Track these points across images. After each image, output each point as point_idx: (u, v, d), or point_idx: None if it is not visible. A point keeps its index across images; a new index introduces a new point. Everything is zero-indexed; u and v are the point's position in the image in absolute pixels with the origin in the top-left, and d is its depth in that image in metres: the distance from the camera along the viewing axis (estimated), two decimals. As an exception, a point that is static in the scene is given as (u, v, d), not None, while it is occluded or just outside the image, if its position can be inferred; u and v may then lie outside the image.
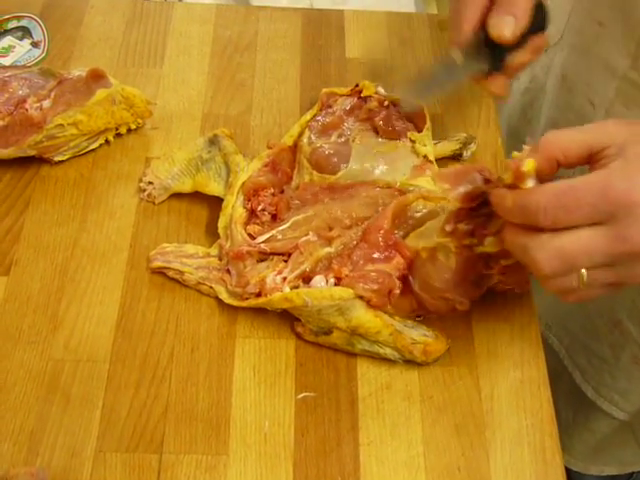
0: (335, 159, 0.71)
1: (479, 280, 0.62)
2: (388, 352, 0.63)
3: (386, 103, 0.75)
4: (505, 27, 0.61)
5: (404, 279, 0.63)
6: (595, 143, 0.51)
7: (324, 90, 0.76)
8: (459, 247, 0.60)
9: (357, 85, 0.76)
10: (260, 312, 0.65)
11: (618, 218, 0.49)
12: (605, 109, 0.75)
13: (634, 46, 0.70)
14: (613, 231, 0.49)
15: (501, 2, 0.62)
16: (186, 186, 0.72)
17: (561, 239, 0.50)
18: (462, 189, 0.59)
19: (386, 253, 0.63)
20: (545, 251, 0.51)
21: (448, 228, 0.60)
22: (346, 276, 0.62)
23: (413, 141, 0.73)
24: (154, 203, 0.72)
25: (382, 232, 0.63)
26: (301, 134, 0.73)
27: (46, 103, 0.71)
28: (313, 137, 0.72)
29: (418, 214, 0.66)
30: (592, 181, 0.50)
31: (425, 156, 0.72)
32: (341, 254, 0.64)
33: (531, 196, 0.51)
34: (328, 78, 0.83)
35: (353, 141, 0.72)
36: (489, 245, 0.59)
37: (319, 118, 0.74)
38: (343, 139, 0.72)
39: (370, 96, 0.75)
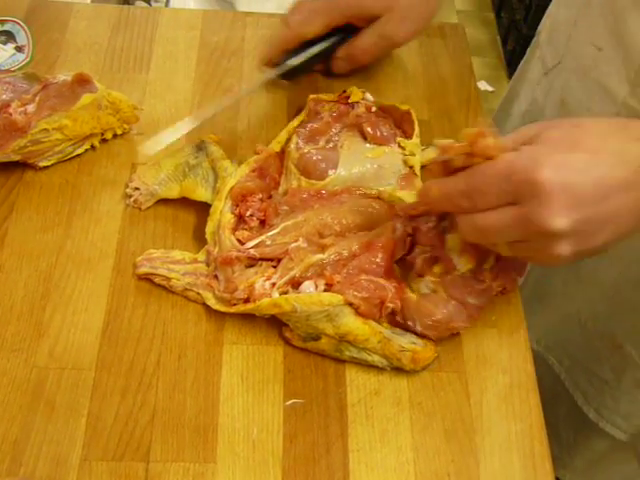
0: (323, 165, 0.70)
1: (479, 297, 0.62)
2: (376, 359, 0.63)
3: (374, 109, 0.75)
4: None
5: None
6: (528, 131, 0.56)
7: (311, 96, 0.76)
8: (435, 278, 0.63)
9: (344, 91, 0.76)
10: (248, 318, 0.64)
11: (525, 199, 0.52)
12: None
13: (633, 73, 0.69)
14: (520, 211, 0.53)
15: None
16: (173, 192, 0.72)
17: (475, 218, 0.55)
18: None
19: (381, 273, 0.63)
20: (468, 227, 0.57)
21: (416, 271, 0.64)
22: (337, 282, 0.62)
23: (403, 147, 0.73)
24: (140, 209, 0.72)
25: (385, 251, 0.64)
26: (289, 140, 0.73)
27: (30, 108, 0.70)
28: (301, 143, 0.72)
29: None
30: (498, 164, 0.54)
31: (412, 167, 0.72)
32: (334, 263, 0.64)
33: (450, 183, 0.56)
34: (315, 84, 0.83)
35: (341, 147, 0.72)
36: (463, 265, 0.62)
37: (307, 124, 0.74)
38: (331, 145, 0.72)
39: (357, 102, 0.75)
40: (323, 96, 0.76)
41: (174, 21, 0.88)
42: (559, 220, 0.51)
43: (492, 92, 2.18)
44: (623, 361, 0.85)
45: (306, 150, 0.71)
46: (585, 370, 0.90)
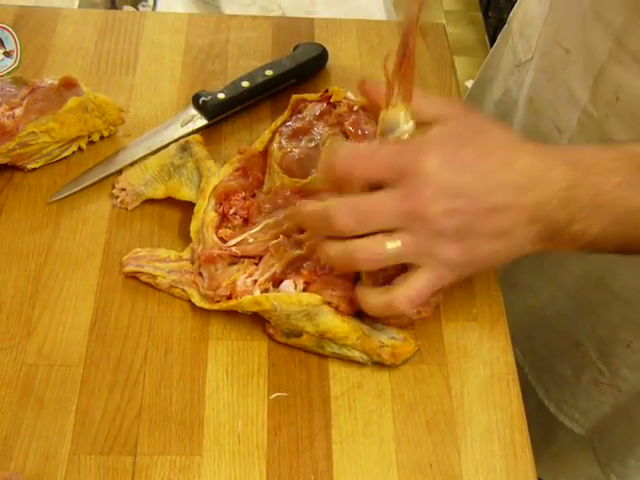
0: (306, 163, 0.72)
1: None
2: (357, 355, 0.64)
3: (355, 108, 0.76)
4: None
5: None
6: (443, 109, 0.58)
7: (294, 96, 0.77)
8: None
9: (327, 91, 0.77)
10: (232, 315, 0.66)
11: (407, 178, 0.53)
12: (568, 138, 0.74)
13: (592, 80, 0.69)
14: (402, 191, 0.53)
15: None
16: (159, 192, 0.73)
17: (356, 197, 0.55)
18: None
19: None
20: (341, 205, 0.55)
21: None
22: (314, 281, 0.63)
23: None
24: (127, 209, 0.73)
25: None
26: (272, 139, 0.74)
27: (18, 111, 0.71)
28: (283, 142, 0.73)
29: None
30: (393, 144, 0.56)
31: None
32: (311, 257, 0.65)
33: (333, 157, 0.56)
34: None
35: (323, 145, 0.73)
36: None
37: (289, 123, 0.75)
38: (313, 144, 0.73)
39: (339, 101, 0.76)
40: (306, 96, 0.77)
41: (160, 25, 0.90)
42: (437, 204, 0.53)
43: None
44: (582, 359, 0.85)
45: (289, 149, 0.72)
46: (547, 365, 0.91)
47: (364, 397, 0.63)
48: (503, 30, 0.92)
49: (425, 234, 0.54)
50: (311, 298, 0.61)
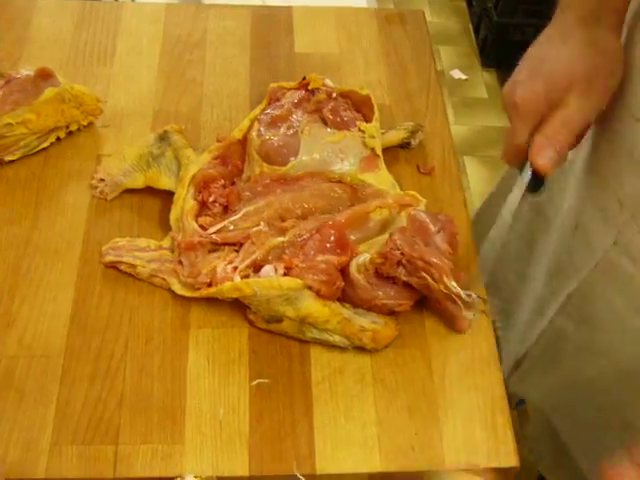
0: (284, 150, 0.72)
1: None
2: (337, 340, 0.64)
3: (334, 95, 0.76)
4: (548, 162, 0.62)
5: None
6: None
7: (272, 84, 0.77)
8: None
9: (304, 78, 0.77)
10: (213, 303, 0.66)
11: None
12: (631, 213, 0.68)
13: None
14: None
15: (552, 123, 0.62)
16: (138, 182, 0.73)
17: None
18: None
19: (337, 250, 0.64)
20: None
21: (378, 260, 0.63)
22: (296, 266, 0.63)
23: (362, 131, 0.74)
24: (106, 199, 0.73)
25: (337, 228, 0.65)
26: (250, 127, 0.74)
27: (-6, 103, 0.71)
28: (262, 130, 0.73)
29: (373, 224, 0.68)
30: None
31: (373, 149, 0.74)
32: (294, 244, 0.65)
33: None
34: (277, 73, 0.85)
35: (302, 132, 0.73)
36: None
37: (268, 111, 0.75)
38: (292, 131, 0.73)
39: (318, 89, 0.76)
40: (284, 84, 0.77)
41: (137, 15, 0.89)
42: None
43: (465, 80, 2.20)
44: (632, 437, 0.79)
45: (267, 137, 0.72)
46: (591, 437, 0.87)
47: (345, 382, 0.63)
48: None
49: None
50: (292, 282, 0.61)
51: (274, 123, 0.74)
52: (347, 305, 0.65)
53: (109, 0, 0.94)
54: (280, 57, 0.86)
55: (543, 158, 0.62)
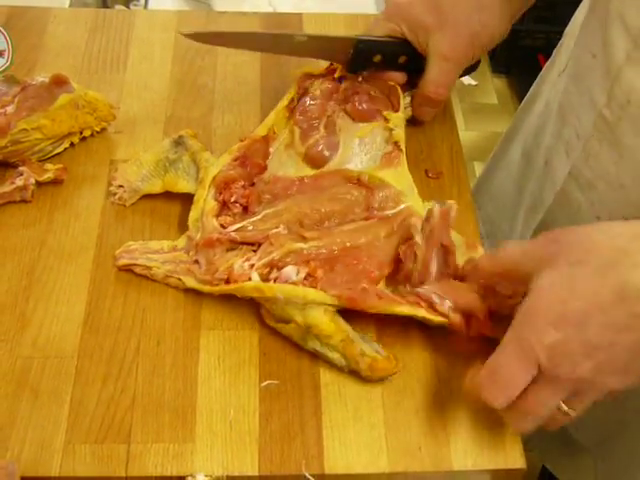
0: (327, 153, 0.73)
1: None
2: (336, 357, 0.63)
3: (360, 79, 0.77)
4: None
5: None
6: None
7: (299, 72, 0.78)
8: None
9: (331, 64, 0.78)
10: (224, 304, 0.67)
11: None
12: (583, 144, 0.74)
13: (610, 83, 0.69)
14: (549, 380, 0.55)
15: None
16: (156, 187, 0.74)
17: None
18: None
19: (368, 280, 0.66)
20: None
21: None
22: (320, 278, 0.64)
23: (387, 120, 0.75)
24: (125, 205, 0.74)
25: (370, 277, 0.66)
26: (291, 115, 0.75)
27: (10, 109, 0.72)
28: (303, 133, 0.74)
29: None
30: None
31: (396, 143, 0.74)
32: (317, 256, 0.66)
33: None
34: (288, 79, 0.85)
35: (339, 130, 0.74)
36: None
37: (299, 106, 0.76)
38: (330, 129, 0.74)
39: (344, 76, 0.77)
40: (310, 69, 0.78)
41: (149, 23, 0.91)
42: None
43: (476, 86, 2.21)
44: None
45: (312, 142, 0.73)
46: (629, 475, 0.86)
47: (354, 384, 0.64)
48: (558, 44, 0.92)
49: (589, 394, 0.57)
50: (317, 295, 0.62)
51: (311, 123, 0.75)
52: (356, 329, 0.65)
53: (122, 8, 0.96)
54: (290, 64, 0.87)
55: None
